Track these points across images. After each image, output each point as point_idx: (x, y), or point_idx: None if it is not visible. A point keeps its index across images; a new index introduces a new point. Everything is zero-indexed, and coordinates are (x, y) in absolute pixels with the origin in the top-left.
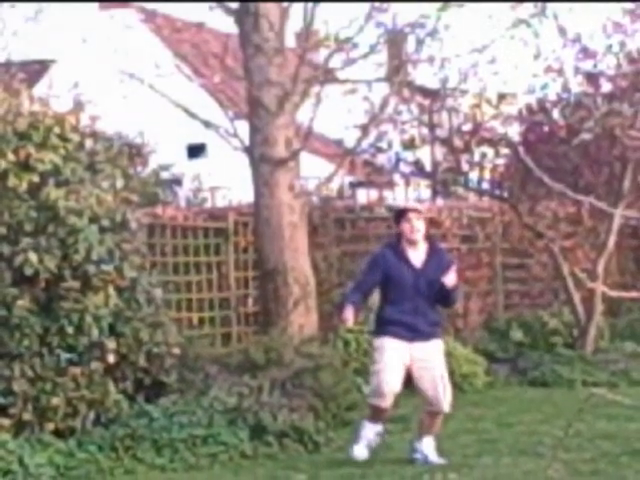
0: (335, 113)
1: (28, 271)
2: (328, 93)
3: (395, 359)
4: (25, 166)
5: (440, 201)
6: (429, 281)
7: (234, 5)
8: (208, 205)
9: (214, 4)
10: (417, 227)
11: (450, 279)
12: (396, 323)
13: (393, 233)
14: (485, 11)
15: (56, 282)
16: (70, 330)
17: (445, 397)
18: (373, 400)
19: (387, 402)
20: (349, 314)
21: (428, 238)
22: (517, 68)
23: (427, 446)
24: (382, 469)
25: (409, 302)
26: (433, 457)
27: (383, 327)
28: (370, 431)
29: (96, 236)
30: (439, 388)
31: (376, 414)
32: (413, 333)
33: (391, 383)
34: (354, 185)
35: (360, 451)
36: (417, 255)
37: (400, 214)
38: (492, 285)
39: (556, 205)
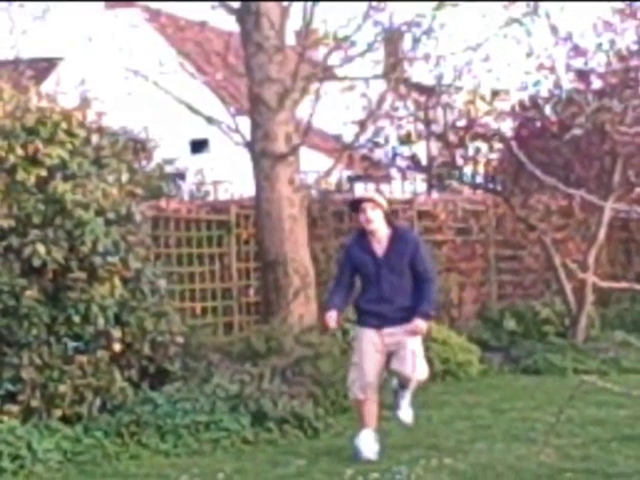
0: (334, 109)
1: (36, 262)
2: (327, 90)
3: (371, 353)
4: (33, 160)
5: (435, 194)
6: (392, 267)
7: (236, 4)
8: (211, 198)
9: (216, 3)
10: (371, 217)
11: (414, 326)
12: (365, 312)
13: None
14: (479, 10)
15: (63, 273)
16: (77, 319)
17: (414, 373)
18: (352, 392)
19: (361, 396)
20: (329, 319)
21: (392, 225)
22: (510, 65)
23: (405, 394)
24: (381, 454)
25: (374, 290)
26: (405, 409)
27: (358, 317)
28: (368, 437)
29: (102, 228)
30: (408, 363)
31: (363, 414)
32: (380, 320)
33: (367, 376)
34: (352, 179)
35: (405, 414)
36: (380, 244)
37: (355, 205)
38: (486, 276)
39: (548, 198)
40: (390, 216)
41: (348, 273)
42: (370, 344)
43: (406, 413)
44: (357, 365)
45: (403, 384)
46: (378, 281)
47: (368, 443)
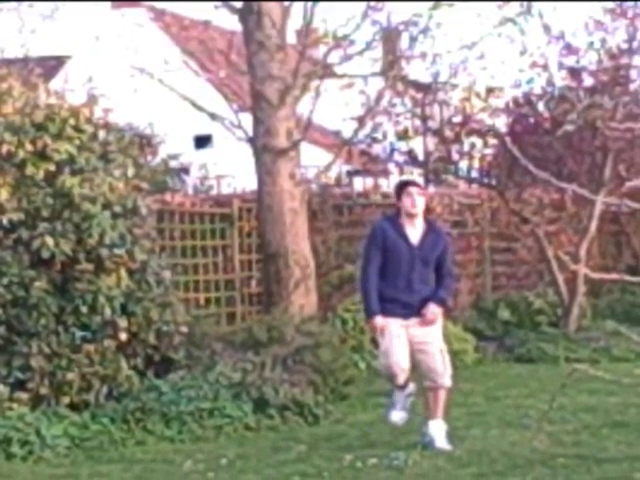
0: (333, 106)
1: (45, 254)
2: (327, 87)
3: (398, 337)
4: (42, 155)
5: (432, 188)
6: (424, 259)
7: (238, 4)
8: (214, 192)
9: (219, 3)
10: (417, 202)
11: (431, 313)
12: (391, 301)
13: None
14: (474, 10)
15: (71, 265)
16: (84, 310)
17: (446, 371)
18: (388, 379)
19: (401, 379)
20: (381, 323)
21: (426, 218)
22: (504, 63)
23: (434, 429)
24: (379, 440)
25: (403, 278)
26: (440, 442)
27: (380, 305)
28: (401, 395)
29: (109, 221)
30: (438, 362)
31: (397, 387)
32: (407, 310)
33: (400, 362)
34: (351, 173)
35: (397, 415)
36: (415, 232)
37: (402, 188)
38: (481, 267)
39: (541, 192)
40: (429, 210)
41: (380, 255)
42: (397, 330)
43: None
44: (387, 352)
45: (434, 386)
46: (410, 269)
47: (399, 397)
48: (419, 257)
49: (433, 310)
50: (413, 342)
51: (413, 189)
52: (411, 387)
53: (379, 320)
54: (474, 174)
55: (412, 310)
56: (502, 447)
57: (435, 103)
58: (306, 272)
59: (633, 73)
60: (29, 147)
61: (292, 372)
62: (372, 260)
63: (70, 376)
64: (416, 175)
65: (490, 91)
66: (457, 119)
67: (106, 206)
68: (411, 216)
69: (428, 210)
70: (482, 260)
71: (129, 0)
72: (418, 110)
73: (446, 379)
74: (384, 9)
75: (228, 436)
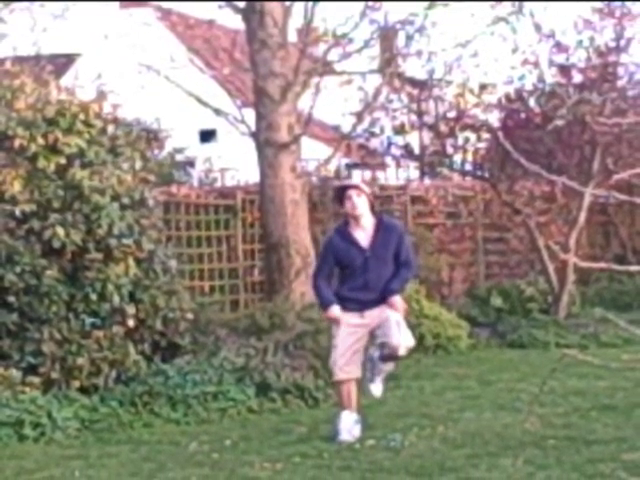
0: (333, 102)
1: (56, 244)
2: (326, 84)
3: (349, 335)
4: (53, 149)
5: (427, 181)
6: (379, 258)
7: (241, 4)
8: (218, 184)
9: (223, 3)
10: (357, 203)
11: (393, 306)
12: (347, 299)
13: (385, 210)
14: (468, 10)
15: (81, 254)
16: (94, 297)
17: (401, 339)
18: (334, 373)
19: (337, 377)
20: (335, 313)
21: (376, 215)
22: (497, 61)
23: (383, 367)
24: (375, 422)
25: (359, 279)
26: (377, 383)
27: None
28: (348, 420)
29: (117, 212)
30: (393, 331)
31: (341, 394)
32: (362, 305)
33: (341, 364)
34: (350, 166)
35: (345, 437)
36: (364, 234)
37: (341, 193)
38: (474, 257)
39: (532, 184)
40: (374, 205)
41: (330, 265)
42: (348, 326)
43: (377, 387)
44: (336, 347)
45: (391, 355)
46: (365, 271)
47: (347, 425)
48: (373, 259)
49: (395, 301)
50: (370, 323)
51: (352, 192)
52: (376, 354)
53: (335, 309)
54: (468, 167)
55: (366, 305)
56: (495, 429)
57: (430, 99)
58: (307, 261)
59: (620, 70)
60: (41, 141)
61: (293, 357)
62: (322, 269)
63: (80, 361)
64: (413, 171)
65: (483, 87)
66: (451, 114)
67: (115, 198)
68: (356, 218)
69: (420, 200)
70: (475, 250)
71: (137, 0)
72: (414, 106)
73: (401, 348)
74: (382, 9)
75: (232, 418)
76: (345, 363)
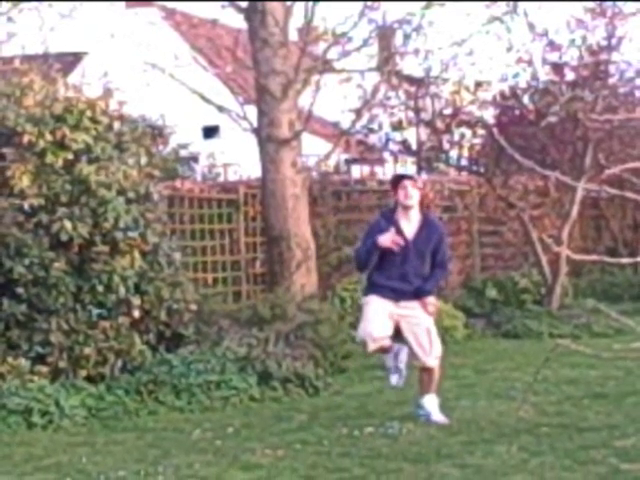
0: (332, 99)
1: (63, 237)
2: (326, 81)
3: (380, 309)
4: (61, 145)
5: (424, 176)
6: (418, 252)
7: (244, 4)
8: (221, 179)
9: (226, 3)
10: (411, 194)
11: (427, 307)
12: (383, 286)
13: (383, 204)
14: (463, 9)
15: (88, 247)
16: (100, 289)
17: (432, 351)
18: (362, 345)
19: (370, 347)
20: (392, 238)
21: (423, 211)
22: (492, 59)
23: (429, 403)
24: (375, 410)
25: (397, 269)
26: (436, 416)
27: (370, 289)
28: (390, 359)
29: (123, 206)
30: (424, 341)
31: (385, 357)
32: (398, 294)
33: (374, 330)
34: (349, 162)
35: (394, 379)
36: (410, 226)
37: (397, 181)
38: (470, 249)
39: (526, 179)
40: (425, 202)
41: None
42: (381, 305)
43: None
44: (367, 319)
45: (420, 373)
46: (404, 262)
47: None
48: (413, 251)
49: (429, 302)
50: (402, 320)
51: (407, 182)
52: (396, 347)
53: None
54: (464, 162)
55: (402, 294)
56: (490, 417)
57: (427, 96)
58: (307, 254)
59: (612, 68)
60: (49, 137)
61: (294, 347)
62: (364, 245)
63: (87, 351)
64: (410, 166)
65: (478, 85)
66: (448, 111)
67: (120, 192)
68: (406, 208)
69: (425, 204)
70: (471, 242)
71: (142, 0)
72: (411, 103)
73: (431, 359)
74: (380, 8)
75: (234, 406)
76: (379, 334)
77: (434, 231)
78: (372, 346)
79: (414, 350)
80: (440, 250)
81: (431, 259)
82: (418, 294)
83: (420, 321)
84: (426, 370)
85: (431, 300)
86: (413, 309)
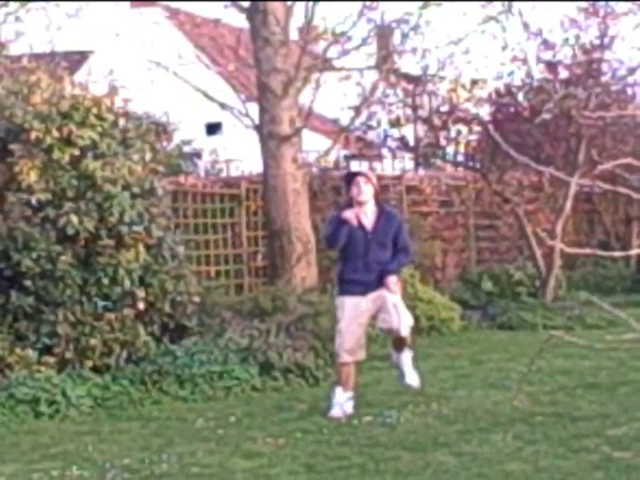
0: (332, 96)
1: (70, 231)
2: (326, 79)
3: (352, 320)
4: (67, 141)
5: (422, 171)
6: (379, 242)
7: (246, 4)
8: (223, 175)
9: (229, 3)
10: (364, 189)
11: (389, 285)
12: (350, 281)
13: (381, 199)
14: (460, 9)
15: (94, 240)
16: (106, 281)
17: (401, 322)
18: (340, 356)
19: (342, 359)
20: (352, 214)
21: (378, 203)
22: (487, 58)
23: (403, 360)
24: (372, 400)
25: (360, 261)
26: (410, 378)
27: (341, 286)
28: (342, 396)
29: (128, 201)
30: (393, 315)
31: (340, 374)
32: (364, 288)
33: (346, 343)
34: (348, 157)
35: (336, 412)
36: (367, 219)
37: (350, 179)
38: (466, 243)
39: (521, 175)
40: (379, 195)
41: None
42: (353, 311)
43: (412, 377)
44: (341, 332)
45: (398, 338)
46: (366, 253)
47: (340, 400)
48: (374, 241)
49: (390, 281)
50: (372, 305)
51: (360, 179)
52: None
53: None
54: (460, 158)
55: (368, 287)
56: (486, 406)
57: (424, 94)
58: (307, 247)
59: (604, 67)
60: (56, 134)
61: (295, 338)
62: (330, 226)
63: (93, 342)
64: (408, 162)
65: (474, 83)
66: (444, 108)
67: (126, 187)
68: (360, 204)
69: (415, 189)
70: (467, 236)
71: (147, 0)
72: (409, 100)
73: (403, 329)
74: (378, 8)
75: (236, 396)
76: (351, 347)
77: (391, 220)
78: (346, 358)
79: (387, 325)
80: (400, 237)
81: (393, 247)
82: (382, 276)
83: (386, 299)
84: (399, 338)
85: (393, 279)
86: (378, 294)
